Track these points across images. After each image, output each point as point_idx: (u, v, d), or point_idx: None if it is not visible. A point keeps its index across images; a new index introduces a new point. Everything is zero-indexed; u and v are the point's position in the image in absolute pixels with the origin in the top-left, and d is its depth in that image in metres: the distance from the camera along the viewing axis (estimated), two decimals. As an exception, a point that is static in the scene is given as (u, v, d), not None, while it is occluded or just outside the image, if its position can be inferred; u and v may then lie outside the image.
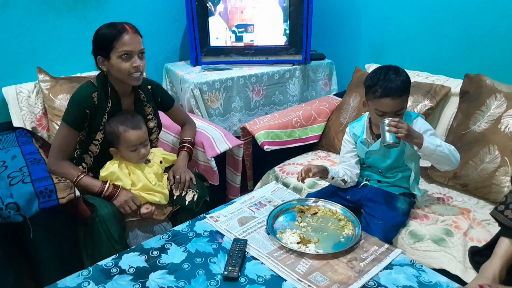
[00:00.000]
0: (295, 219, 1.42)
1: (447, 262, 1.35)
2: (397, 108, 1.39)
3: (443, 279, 1.18)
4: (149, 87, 1.66)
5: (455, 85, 1.93)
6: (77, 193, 1.42)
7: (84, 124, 1.50)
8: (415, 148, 1.39)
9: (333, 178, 1.55)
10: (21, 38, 1.99)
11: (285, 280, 1.14)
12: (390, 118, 1.35)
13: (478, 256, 1.30)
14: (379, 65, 2.29)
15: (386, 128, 1.33)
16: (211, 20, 2.35)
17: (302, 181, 1.50)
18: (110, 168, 1.51)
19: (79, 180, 1.49)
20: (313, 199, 1.51)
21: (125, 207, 1.48)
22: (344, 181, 1.57)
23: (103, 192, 1.48)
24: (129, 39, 1.43)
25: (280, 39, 2.43)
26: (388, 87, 1.36)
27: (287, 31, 2.39)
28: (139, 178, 1.53)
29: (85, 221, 1.45)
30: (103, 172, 1.51)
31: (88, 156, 1.57)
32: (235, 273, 1.15)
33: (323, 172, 1.52)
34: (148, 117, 1.64)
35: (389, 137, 1.33)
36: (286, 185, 1.80)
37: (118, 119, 1.51)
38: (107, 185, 1.49)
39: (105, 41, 1.43)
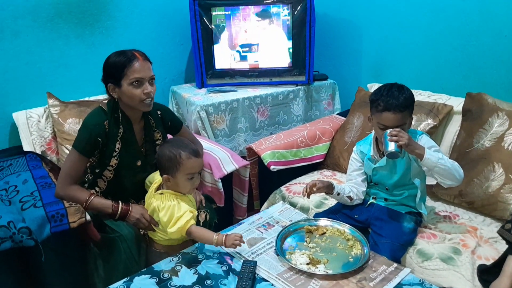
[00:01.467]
0: (303, 239, 1.43)
1: (456, 281, 1.35)
2: (398, 123, 1.42)
3: (453, 298, 1.18)
4: (159, 112, 1.68)
5: (457, 103, 1.96)
6: (88, 217, 1.44)
7: (95, 151, 1.52)
8: (418, 161, 1.41)
9: (338, 194, 1.57)
10: (30, 65, 2.05)
11: (296, 302, 1.15)
12: (392, 129, 1.39)
13: (486, 274, 1.31)
14: (381, 85, 2.35)
15: (388, 137, 1.38)
16: (216, 45, 2.41)
17: (308, 196, 1.51)
18: (187, 212, 1.38)
19: (89, 203, 1.50)
20: (321, 219, 1.52)
21: (140, 224, 1.50)
22: (350, 198, 1.59)
23: (117, 213, 1.50)
24: (140, 66, 1.46)
25: (283, 61, 2.48)
26: (389, 102, 1.41)
27: (291, 52, 2.44)
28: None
29: (97, 244, 1.47)
30: (180, 222, 1.36)
31: (102, 181, 1.59)
32: (246, 295, 1.16)
33: (328, 188, 1.54)
34: (157, 142, 1.66)
35: (391, 146, 1.37)
36: (293, 204, 1.81)
37: (177, 144, 1.42)
38: (120, 205, 1.51)
39: (115, 69, 1.46)
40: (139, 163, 1.60)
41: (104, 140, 1.52)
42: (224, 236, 1.31)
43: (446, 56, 2.17)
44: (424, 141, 1.48)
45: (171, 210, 1.38)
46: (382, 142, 1.42)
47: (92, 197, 1.51)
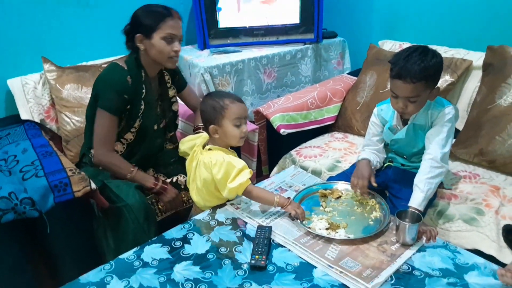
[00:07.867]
0: (319, 204, 1.37)
1: (480, 242, 1.30)
2: (408, 94, 1.27)
3: (480, 260, 1.13)
4: None
5: (476, 58, 1.85)
6: (93, 185, 1.38)
7: (125, 109, 1.49)
8: None
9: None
10: (23, 28, 1.92)
11: (315, 267, 1.10)
12: (417, 225, 1.16)
13: (513, 235, 1.25)
14: (392, 42, 2.22)
15: (410, 232, 1.15)
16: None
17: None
18: (247, 169, 1.31)
19: (134, 175, 1.50)
20: (337, 182, 1.45)
21: (173, 204, 1.53)
22: (375, 167, 1.51)
23: (155, 188, 1.51)
24: (175, 22, 1.47)
25: (291, 18, 2.32)
26: (403, 68, 1.26)
27: (299, 8, 2.28)
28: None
29: (105, 212, 1.41)
30: (242, 178, 1.28)
31: (120, 144, 1.54)
32: (262, 262, 1.11)
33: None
34: (172, 99, 1.64)
35: (409, 239, 1.16)
36: (304, 168, 1.74)
37: (219, 94, 1.38)
38: (160, 182, 1.51)
39: (151, 20, 1.45)
40: (155, 127, 1.57)
41: (131, 97, 1.48)
42: (289, 200, 1.29)
43: (464, 7, 2.03)
44: (443, 114, 1.32)
45: (225, 166, 1.28)
46: (402, 231, 1.16)
47: (135, 169, 1.50)
